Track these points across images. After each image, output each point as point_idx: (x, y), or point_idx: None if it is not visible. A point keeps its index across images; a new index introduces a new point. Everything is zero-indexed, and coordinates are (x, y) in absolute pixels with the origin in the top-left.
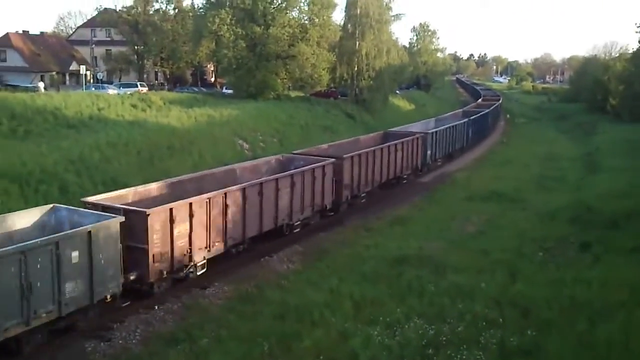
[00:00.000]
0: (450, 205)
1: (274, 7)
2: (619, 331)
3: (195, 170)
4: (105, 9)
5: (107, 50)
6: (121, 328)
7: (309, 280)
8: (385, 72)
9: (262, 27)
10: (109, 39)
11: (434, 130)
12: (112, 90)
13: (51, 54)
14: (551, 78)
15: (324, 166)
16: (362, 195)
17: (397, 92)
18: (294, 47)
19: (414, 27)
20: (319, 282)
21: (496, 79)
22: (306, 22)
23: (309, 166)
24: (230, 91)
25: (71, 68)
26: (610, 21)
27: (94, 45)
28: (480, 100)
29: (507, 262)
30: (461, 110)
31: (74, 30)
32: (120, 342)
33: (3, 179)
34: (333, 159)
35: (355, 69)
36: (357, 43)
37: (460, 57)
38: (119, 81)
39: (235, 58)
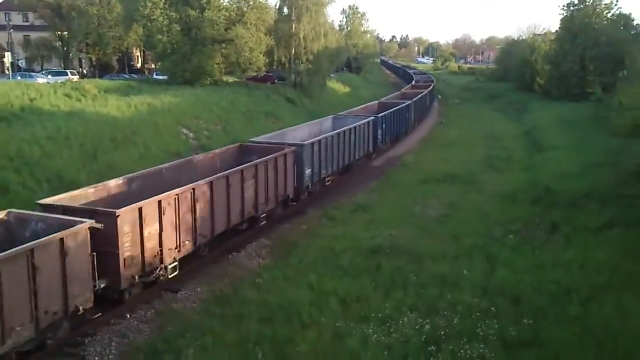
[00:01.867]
0: (407, 189)
1: None
2: (614, 313)
3: (143, 165)
4: None
5: (25, 35)
6: (94, 342)
7: (285, 276)
8: (323, 55)
9: (197, 10)
10: (26, 23)
11: (317, 139)
12: (41, 79)
13: None
14: (472, 58)
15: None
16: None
17: (331, 75)
18: (230, 31)
19: (343, 9)
20: (296, 278)
21: (420, 59)
22: (242, 4)
23: None
24: (161, 77)
25: None
26: (524, 3)
27: (11, 30)
28: (410, 85)
29: (481, 247)
30: (376, 102)
31: None
32: (96, 358)
33: None
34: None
35: (293, 52)
36: (294, 26)
37: (383, 38)
38: (42, 69)
39: (169, 43)
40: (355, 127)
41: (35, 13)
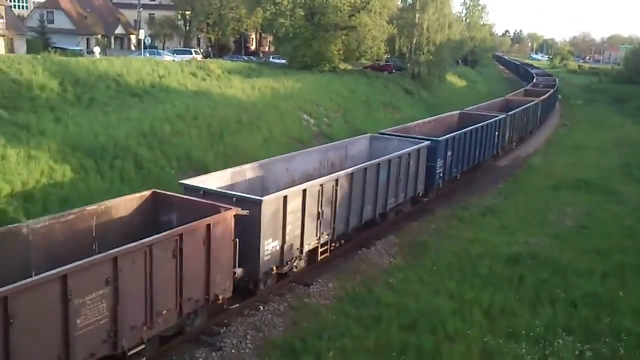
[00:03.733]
0: (537, 194)
1: None
2: None
3: (267, 149)
4: None
5: (150, 14)
6: (229, 334)
7: (421, 280)
8: (446, 47)
9: None
10: (153, 2)
11: (296, 188)
12: (167, 57)
13: (97, 17)
14: (590, 57)
15: None
16: None
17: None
18: (354, 18)
19: (464, 1)
20: (433, 283)
21: (534, 56)
22: None
23: None
24: (278, 60)
25: (117, 31)
26: None
27: (141, 9)
28: (523, 90)
29: (633, 266)
30: (457, 112)
31: None
32: (233, 351)
33: (77, 152)
34: None
35: (415, 42)
36: (418, 16)
37: (496, 33)
38: (163, 47)
39: (292, 27)
40: (388, 161)
41: None
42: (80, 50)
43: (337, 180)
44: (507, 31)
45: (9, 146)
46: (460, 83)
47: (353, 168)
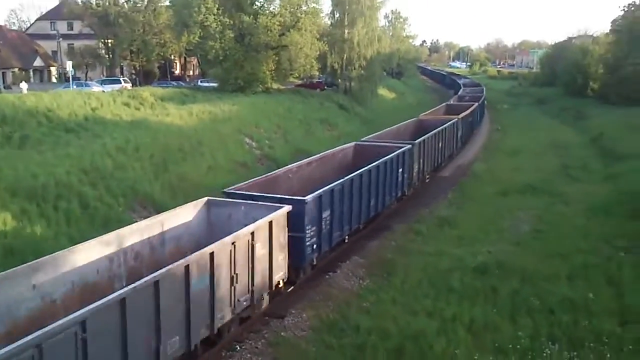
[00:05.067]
0: (488, 202)
1: None
2: None
3: (213, 177)
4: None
5: (69, 44)
6: None
7: (394, 300)
8: (376, 61)
9: (251, 16)
10: (71, 32)
11: None
12: (96, 88)
13: (12, 49)
14: (504, 62)
15: None
16: None
17: None
18: (285, 37)
19: (386, 14)
20: (407, 302)
21: (453, 64)
22: (296, 10)
23: None
24: (206, 84)
25: (35, 64)
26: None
27: (60, 39)
28: (445, 104)
29: (594, 266)
30: (352, 145)
31: (28, 23)
32: None
33: (17, 196)
34: None
35: (345, 57)
36: (347, 31)
37: (415, 44)
38: (86, 77)
39: (222, 49)
40: (209, 255)
41: (82, 22)
42: None
43: (95, 314)
44: (424, 41)
45: None
46: (390, 95)
47: (139, 284)
